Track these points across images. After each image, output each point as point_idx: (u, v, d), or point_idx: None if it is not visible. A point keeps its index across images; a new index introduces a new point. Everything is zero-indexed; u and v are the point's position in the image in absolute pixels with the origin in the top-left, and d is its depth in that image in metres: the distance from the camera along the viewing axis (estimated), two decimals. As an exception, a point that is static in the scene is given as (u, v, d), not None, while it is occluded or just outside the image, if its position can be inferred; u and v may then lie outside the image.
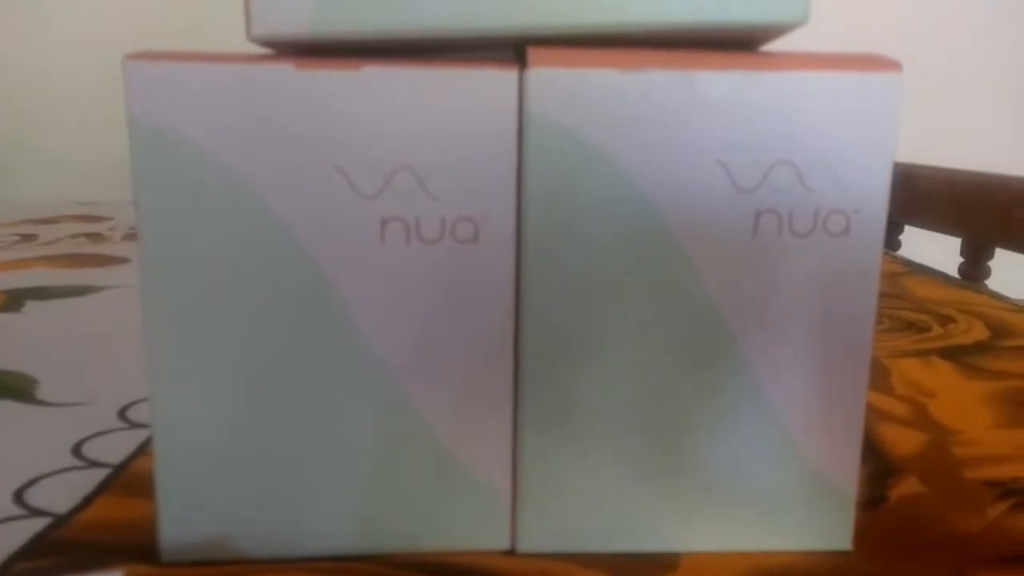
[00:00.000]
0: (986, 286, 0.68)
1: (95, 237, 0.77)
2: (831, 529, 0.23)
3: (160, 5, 1.12)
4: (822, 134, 0.21)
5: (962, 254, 0.71)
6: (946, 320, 0.49)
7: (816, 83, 0.20)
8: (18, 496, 0.26)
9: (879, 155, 0.21)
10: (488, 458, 0.23)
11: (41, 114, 1.14)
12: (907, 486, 0.27)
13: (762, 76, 0.20)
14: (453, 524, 0.23)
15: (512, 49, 0.22)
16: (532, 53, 0.20)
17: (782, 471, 0.23)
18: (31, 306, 0.50)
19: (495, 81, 0.20)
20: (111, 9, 1.12)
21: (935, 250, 0.75)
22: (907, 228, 0.80)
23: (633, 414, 0.22)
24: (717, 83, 0.20)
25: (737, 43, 0.22)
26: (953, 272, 0.69)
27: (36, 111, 1.14)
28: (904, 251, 0.81)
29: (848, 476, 0.23)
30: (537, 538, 0.23)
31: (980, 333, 0.46)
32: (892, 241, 0.82)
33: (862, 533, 0.24)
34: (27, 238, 0.76)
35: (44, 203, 0.99)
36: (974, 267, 0.69)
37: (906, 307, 0.52)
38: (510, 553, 0.23)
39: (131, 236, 0.78)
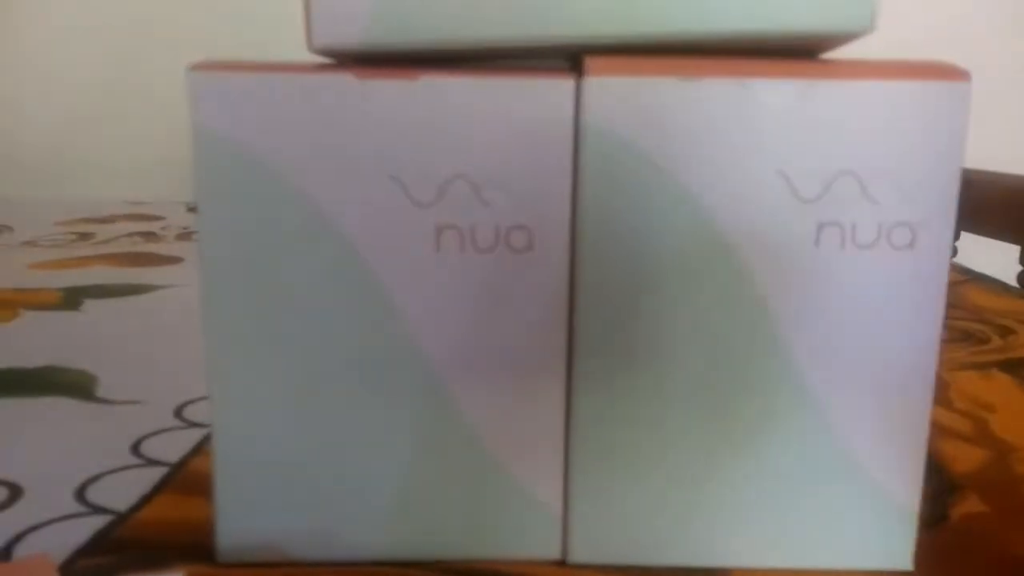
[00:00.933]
0: (1047, 295, 0.65)
1: (149, 236, 0.79)
2: (891, 548, 0.23)
3: (210, 7, 1.15)
4: (886, 145, 0.20)
5: (1021, 262, 0.69)
6: (1005, 331, 0.47)
7: (880, 93, 0.20)
8: (80, 493, 0.27)
9: (945, 166, 0.20)
10: (540, 468, 0.23)
11: (89, 115, 1.17)
12: (968, 504, 0.27)
13: (824, 85, 0.20)
14: (503, 533, 0.23)
15: (566, 58, 0.22)
16: (589, 62, 0.20)
17: (841, 487, 0.22)
18: (89, 304, 0.52)
19: (552, 90, 0.20)
20: (165, 14, 1.15)
21: (993, 257, 0.73)
22: (964, 235, 0.78)
23: (687, 427, 0.22)
24: (777, 92, 0.20)
25: (799, 51, 0.21)
26: (1011, 280, 0.67)
27: (85, 113, 1.17)
28: (961, 258, 0.78)
29: (911, 494, 0.22)
30: (588, 549, 0.23)
31: (1042, 345, 0.45)
32: (947, 247, 0.80)
33: (922, 552, 0.23)
34: (84, 236, 0.78)
35: (98, 202, 1.02)
36: (1034, 275, 0.67)
37: (964, 317, 0.51)
38: (561, 564, 0.23)
39: (184, 236, 0.79)
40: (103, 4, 1.16)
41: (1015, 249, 0.70)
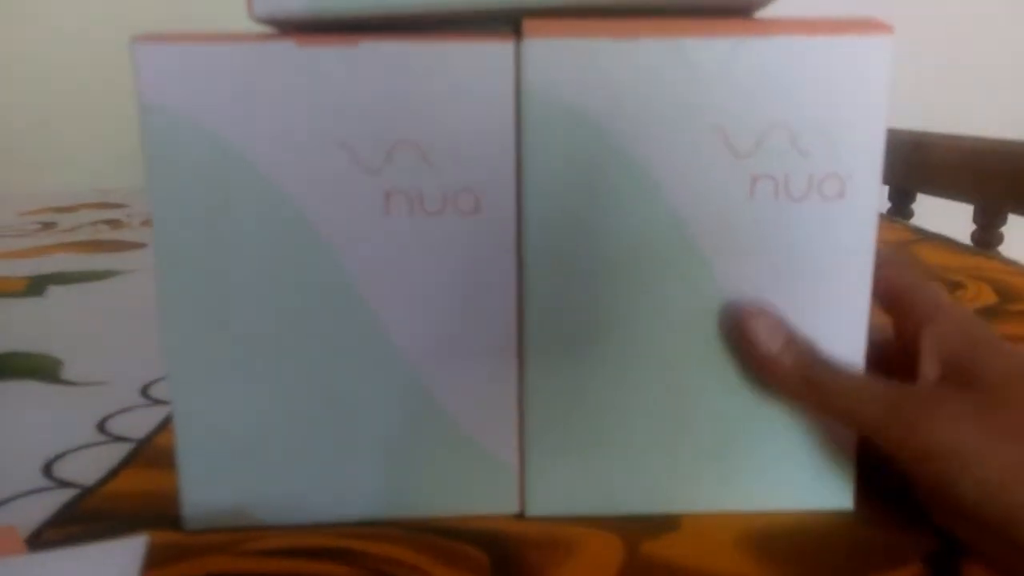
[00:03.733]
0: (998, 252, 0.67)
1: (113, 223, 0.78)
2: (833, 489, 0.24)
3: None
4: (815, 98, 0.21)
5: (975, 221, 0.70)
6: (956, 286, 0.49)
7: (807, 47, 0.20)
8: (47, 469, 0.27)
9: (872, 118, 0.21)
10: (495, 427, 0.23)
11: (55, 106, 1.15)
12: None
13: (753, 41, 0.20)
14: (464, 490, 0.24)
15: (509, 22, 0.23)
16: (528, 24, 0.21)
17: (782, 433, 0.23)
18: (53, 291, 0.51)
19: (492, 53, 0.21)
20: (121, 5, 1.13)
21: (948, 218, 0.75)
22: (919, 197, 0.79)
23: (635, 381, 0.23)
24: (709, 50, 0.20)
25: (732, 11, 0.22)
26: (966, 239, 0.68)
27: (50, 104, 1.15)
28: (917, 220, 0.80)
29: (848, 437, 0.23)
30: (544, 502, 0.24)
31: (988, 298, 0.46)
32: (904, 209, 0.81)
33: (864, 493, 0.24)
34: (47, 226, 0.77)
35: (62, 192, 1.00)
36: (986, 233, 0.68)
37: (916, 274, 0.52)
38: (520, 517, 0.24)
39: (148, 222, 0.79)
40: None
41: (970, 209, 0.71)
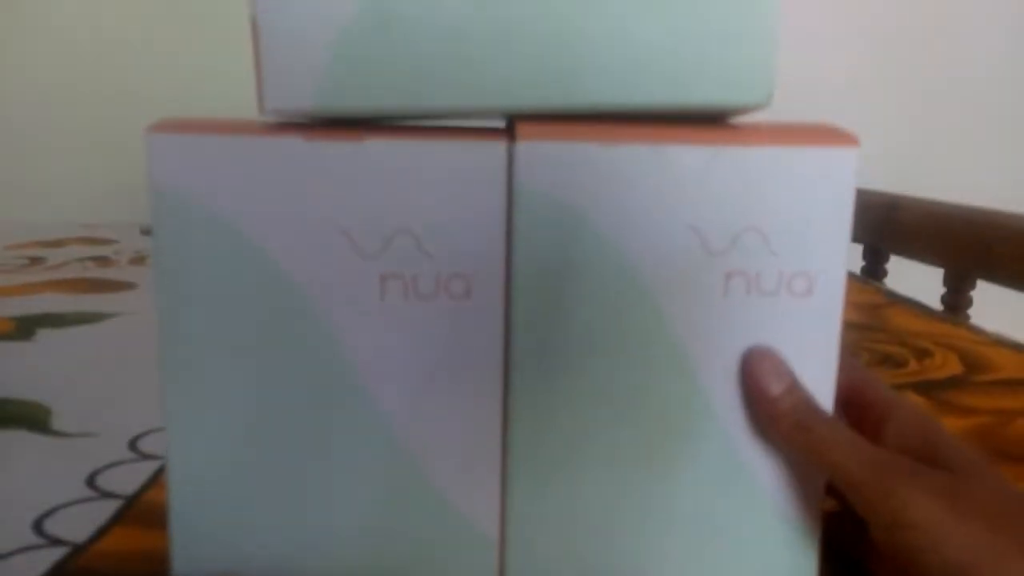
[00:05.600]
0: (967, 317, 0.69)
1: (101, 261, 0.79)
2: (796, 567, 0.25)
3: (160, 26, 1.15)
4: (786, 202, 0.22)
5: (945, 284, 0.73)
6: (923, 354, 0.50)
7: (779, 157, 0.22)
8: (37, 526, 0.28)
9: (838, 221, 0.23)
10: (478, 501, 0.24)
11: (43, 139, 1.16)
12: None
13: (730, 151, 0.22)
14: (446, 559, 0.25)
15: (503, 117, 0.24)
16: (520, 127, 0.22)
17: (749, 512, 0.24)
18: (43, 334, 0.52)
19: (486, 152, 0.22)
20: (112, 37, 1.14)
21: (921, 278, 0.77)
22: (892, 258, 0.82)
23: (614, 463, 0.24)
24: (689, 156, 0.22)
25: (709, 117, 0.24)
26: (936, 301, 0.70)
27: (36, 136, 1.16)
28: (890, 279, 0.82)
29: (812, 517, 0.25)
30: (524, 574, 0.25)
31: (955, 367, 0.48)
32: (877, 270, 0.83)
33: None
34: (35, 261, 0.78)
35: (49, 225, 1.01)
36: (956, 297, 0.71)
37: (885, 340, 0.54)
38: (498, 585, 0.25)
39: (137, 260, 0.79)
40: (54, 30, 1.15)
41: (941, 271, 0.73)
